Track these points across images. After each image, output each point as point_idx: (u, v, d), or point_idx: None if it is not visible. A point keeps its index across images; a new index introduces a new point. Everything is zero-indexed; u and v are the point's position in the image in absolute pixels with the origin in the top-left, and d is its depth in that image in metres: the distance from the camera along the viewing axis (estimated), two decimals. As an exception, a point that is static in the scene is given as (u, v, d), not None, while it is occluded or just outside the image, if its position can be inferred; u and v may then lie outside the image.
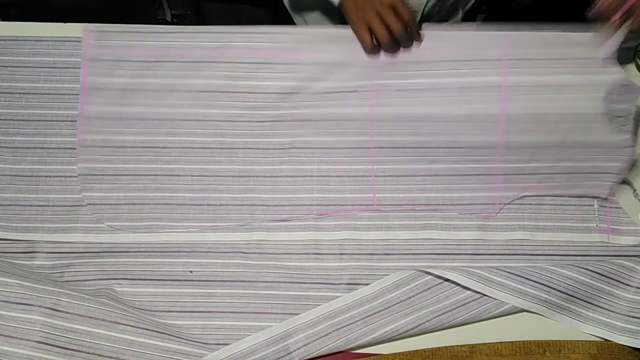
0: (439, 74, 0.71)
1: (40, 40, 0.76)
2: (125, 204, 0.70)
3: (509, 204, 0.70)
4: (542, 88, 0.70)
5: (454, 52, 0.71)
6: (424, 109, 0.71)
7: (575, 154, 0.70)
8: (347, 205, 0.70)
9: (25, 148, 0.72)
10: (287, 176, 0.71)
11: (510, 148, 0.70)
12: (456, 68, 0.71)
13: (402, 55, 0.71)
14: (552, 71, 0.70)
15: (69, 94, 0.73)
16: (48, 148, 0.72)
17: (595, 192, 0.70)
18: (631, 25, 0.68)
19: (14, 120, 0.73)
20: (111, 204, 0.70)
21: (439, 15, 0.85)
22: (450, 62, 0.71)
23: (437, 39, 0.71)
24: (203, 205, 0.70)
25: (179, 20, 1.36)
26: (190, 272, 0.67)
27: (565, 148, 0.70)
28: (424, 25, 0.72)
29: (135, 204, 0.70)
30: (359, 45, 0.71)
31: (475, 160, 0.71)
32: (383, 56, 0.71)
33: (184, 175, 0.71)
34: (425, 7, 0.79)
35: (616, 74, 0.69)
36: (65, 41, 0.76)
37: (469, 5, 0.91)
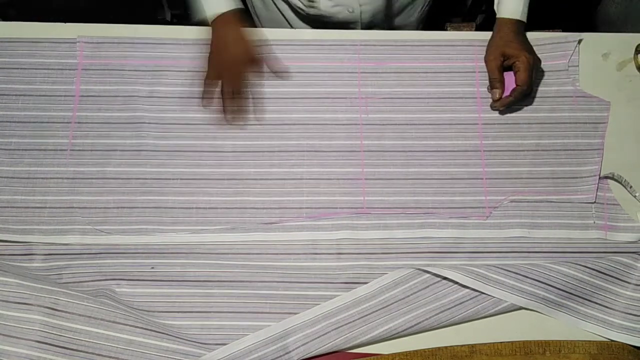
0: (420, 84, 0.76)
1: (37, 42, 0.76)
2: (114, 208, 0.70)
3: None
4: None
5: (431, 63, 0.77)
6: (409, 116, 0.74)
7: (551, 157, 0.72)
8: (337, 208, 0.70)
9: (22, 150, 0.72)
10: (277, 179, 0.71)
11: (490, 151, 0.73)
12: (435, 79, 0.76)
13: (385, 64, 0.77)
14: None
15: (65, 96, 0.74)
16: (45, 150, 0.72)
17: (580, 196, 0.70)
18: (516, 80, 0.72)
19: (10, 122, 0.73)
20: (100, 208, 0.70)
21: (389, 22, 0.88)
22: (429, 73, 0.76)
23: (416, 49, 0.77)
24: (192, 208, 0.70)
25: (178, 20, 1.36)
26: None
27: (540, 151, 0.73)
28: (402, 33, 0.75)
29: (124, 207, 0.70)
30: (344, 53, 0.77)
31: (461, 164, 0.72)
32: (366, 64, 0.76)
33: (172, 179, 0.71)
34: (360, 18, 0.83)
35: (569, 85, 0.75)
36: (61, 43, 0.76)
37: (424, 6, 0.92)
